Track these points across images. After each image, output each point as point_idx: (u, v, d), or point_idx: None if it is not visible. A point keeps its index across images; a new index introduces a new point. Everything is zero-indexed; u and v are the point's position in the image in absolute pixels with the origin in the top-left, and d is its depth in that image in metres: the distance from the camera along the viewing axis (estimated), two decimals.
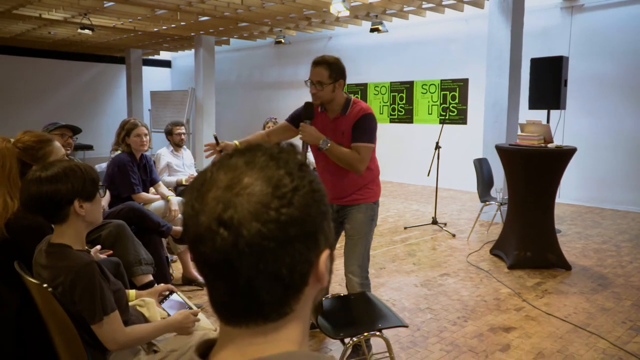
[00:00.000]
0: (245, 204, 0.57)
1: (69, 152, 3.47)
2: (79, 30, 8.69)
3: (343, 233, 2.92)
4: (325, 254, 0.63)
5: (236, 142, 2.68)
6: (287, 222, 0.58)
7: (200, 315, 2.05)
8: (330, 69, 2.64)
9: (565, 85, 5.45)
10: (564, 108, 5.55)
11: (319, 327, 2.27)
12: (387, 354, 2.39)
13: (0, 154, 2.05)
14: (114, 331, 1.69)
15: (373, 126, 2.74)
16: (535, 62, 5.56)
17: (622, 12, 7.18)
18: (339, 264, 4.25)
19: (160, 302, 2.12)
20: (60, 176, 1.69)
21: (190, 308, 2.02)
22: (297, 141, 2.84)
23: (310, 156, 6.09)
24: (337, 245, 3.10)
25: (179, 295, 2.19)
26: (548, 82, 5.42)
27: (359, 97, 10.53)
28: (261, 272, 0.58)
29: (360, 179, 2.80)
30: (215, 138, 2.59)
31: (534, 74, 5.56)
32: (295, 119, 2.83)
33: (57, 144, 2.26)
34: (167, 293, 2.16)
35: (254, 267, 0.58)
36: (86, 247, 1.88)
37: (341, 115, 2.73)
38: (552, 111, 5.72)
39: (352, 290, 2.82)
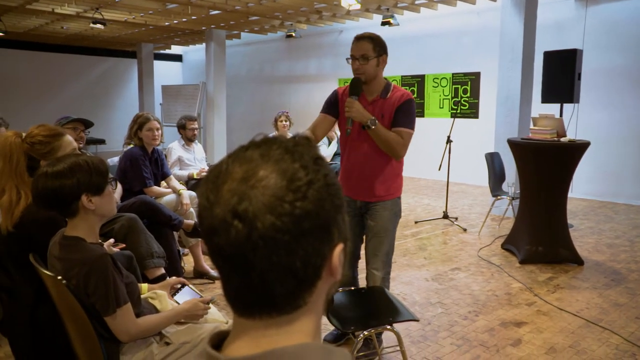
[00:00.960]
0: (260, 197, 0.57)
1: (81, 145, 3.51)
2: (91, 25, 8.74)
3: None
4: (339, 248, 0.63)
5: None
6: (301, 215, 0.58)
7: (212, 308, 2.07)
8: (374, 43, 2.58)
9: (579, 78, 5.38)
10: (578, 102, 5.49)
11: (330, 320, 2.27)
12: (398, 348, 2.39)
13: (8, 148, 2.08)
14: (127, 323, 1.71)
15: (414, 113, 2.68)
16: (549, 56, 5.49)
17: (638, 4, 7.06)
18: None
19: (172, 295, 2.14)
20: (66, 172, 1.70)
21: None
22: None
23: (324, 150, 6.05)
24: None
25: (190, 288, 2.20)
26: (561, 75, 5.35)
27: None
28: (275, 265, 0.58)
29: (388, 171, 2.73)
30: None
31: (547, 67, 5.50)
32: (330, 106, 2.76)
33: (68, 138, 2.27)
34: (179, 286, 2.18)
35: (268, 260, 0.58)
36: (99, 240, 1.90)
37: (381, 98, 2.65)
38: (565, 105, 5.65)
39: (373, 284, 2.79)
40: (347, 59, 2.66)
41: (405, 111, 2.62)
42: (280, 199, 0.57)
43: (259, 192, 0.58)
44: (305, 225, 0.58)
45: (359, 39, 2.60)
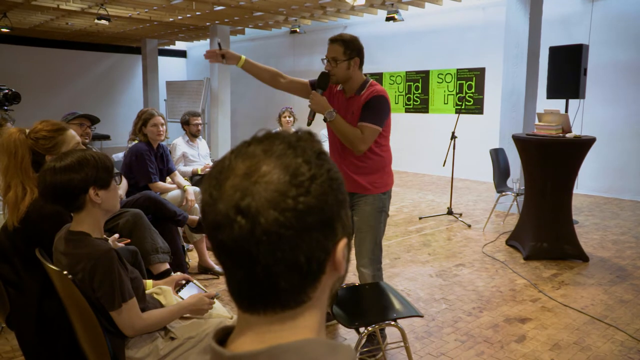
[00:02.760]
0: (262, 192, 0.57)
1: (87, 141, 3.52)
2: (96, 21, 8.75)
3: None
4: (342, 243, 0.63)
5: (243, 57, 2.75)
6: (305, 210, 0.58)
7: (216, 303, 2.07)
8: (345, 46, 2.61)
9: (585, 74, 5.35)
10: (583, 97, 5.45)
11: (334, 316, 2.28)
12: (402, 344, 2.39)
13: (13, 144, 2.09)
14: (132, 318, 1.72)
15: (384, 109, 2.67)
16: (554, 51, 5.46)
17: None
18: (354, 254, 4.27)
19: (177, 290, 2.14)
20: (74, 166, 1.72)
21: None
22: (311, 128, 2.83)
23: (327, 145, 6.08)
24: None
25: (195, 284, 2.21)
26: (567, 71, 5.32)
27: None
28: (278, 260, 0.58)
29: (369, 165, 2.74)
30: (219, 45, 2.61)
31: (552, 62, 5.47)
32: (313, 86, 2.79)
33: (71, 133, 2.28)
34: (184, 282, 2.19)
35: (271, 255, 0.58)
36: (104, 236, 1.91)
37: (355, 95, 2.70)
38: (570, 100, 5.62)
39: (363, 282, 2.80)
40: (322, 59, 2.71)
41: (370, 108, 2.64)
42: (283, 194, 0.57)
43: (262, 188, 0.58)
44: (308, 221, 0.58)
45: (332, 41, 2.65)
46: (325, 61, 2.67)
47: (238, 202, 0.58)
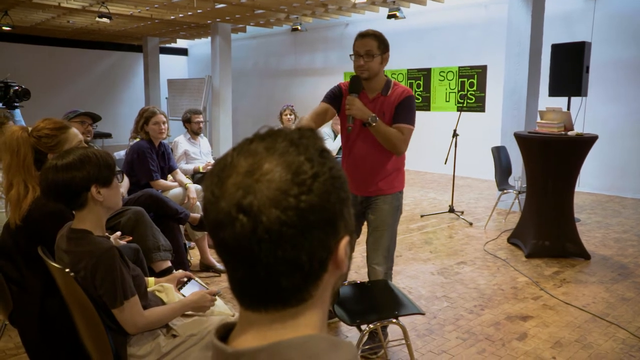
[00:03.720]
0: (264, 191, 0.57)
1: (89, 139, 3.52)
2: (97, 19, 8.75)
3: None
4: (344, 241, 0.63)
5: None
6: (307, 209, 0.58)
7: (218, 301, 2.08)
8: (378, 40, 2.59)
9: (587, 71, 5.34)
10: (585, 95, 5.44)
11: (336, 314, 2.28)
12: (404, 341, 2.40)
13: (16, 142, 2.09)
14: (134, 315, 1.72)
15: (414, 109, 2.69)
16: (556, 48, 5.45)
17: None
18: (356, 252, 4.25)
19: (179, 288, 2.15)
20: (76, 163, 1.72)
21: None
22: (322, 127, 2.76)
23: (329, 144, 6.04)
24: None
25: (197, 281, 2.21)
26: (569, 68, 5.31)
27: None
28: (280, 259, 0.58)
29: (389, 166, 2.74)
30: None
31: (554, 60, 5.46)
32: (333, 98, 2.74)
33: (73, 131, 2.28)
34: (186, 280, 2.19)
35: (273, 254, 0.58)
36: (106, 234, 1.91)
37: (382, 96, 2.67)
38: (573, 98, 5.61)
39: (374, 279, 2.80)
40: (350, 55, 2.66)
41: (405, 107, 2.63)
42: (285, 192, 0.57)
43: (264, 186, 0.57)
44: (310, 219, 0.58)
45: (364, 35, 2.60)
46: (352, 57, 2.63)
47: (240, 201, 0.57)
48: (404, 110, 2.63)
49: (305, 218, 0.58)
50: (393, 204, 2.78)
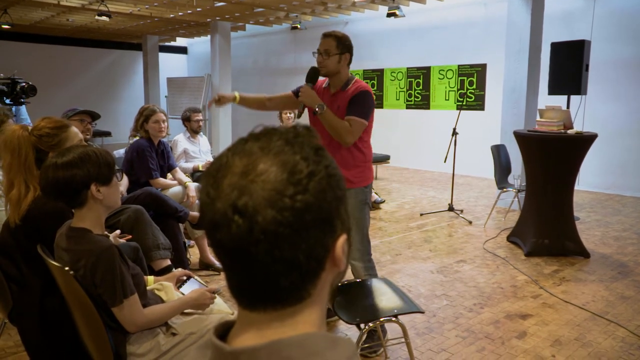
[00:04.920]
0: (260, 191, 0.57)
1: (88, 137, 3.52)
2: (97, 17, 8.74)
3: None
4: (342, 239, 0.63)
5: (236, 93, 2.90)
6: (303, 208, 0.58)
7: (218, 299, 2.08)
8: (337, 41, 2.76)
9: (587, 70, 5.34)
10: (585, 93, 5.44)
11: (335, 312, 2.28)
12: (403, 340, 2.40)
13: (17, 142, 2.09)
14: (133, 314, 1.72)
15: (369, 104, 2.78)
16: (556, 47, 5.44)
17: None
18: None
19: (178, 287, 2.15)
20: (76, 161, 1.72)
21: None
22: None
23: None
24: None
25: (196, 280, 2.21)
26: (569, 67, 5.31)
27: (375, 82, 10.45)
28: (277, 259, 0.58)
29: (351, 159, 2.82)
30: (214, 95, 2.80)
31: (554, 58, 5.46)
32: (297, 93, 2.89)
33: (74, 129, 2.28)
34: (185, 278, 2.19)
35: (270, 254, 0.58)
36: (105, 232, 1.91)
37: (341, 91, 2.81)
38: (572, 96, 5.61)
39: (357, 276, 2.86)
40: (313, 52, 2.84)
41: (357, 102, 2.75)
42: (281, 192, 0.57)
43: (259, 187, 0.57)
44: (306, 218, 0.58)
45: (326, 36, 2.80)
46: (316, 54, 2.79)
47: (235, 201, 0.57)
48: (355, 104, 2.74)
49: (302, 218, 0.58)
50: (359, 197, 2.85)
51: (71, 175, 1.71)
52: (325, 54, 2.75)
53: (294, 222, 0.57)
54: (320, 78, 2.87)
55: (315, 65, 2.80)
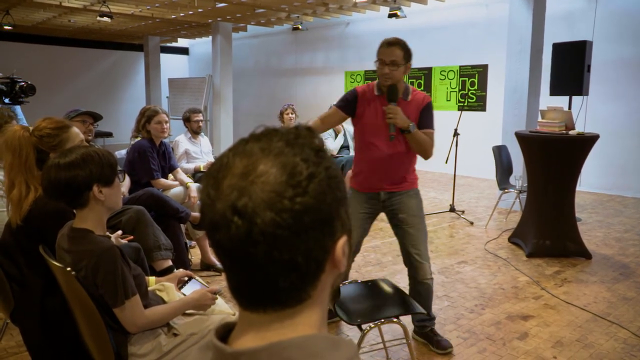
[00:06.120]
0: (259, 193, 0.57)
1: (90, 138, 3.52)
2: (98, 18, 8.75)
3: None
4: (342, 240, 0.63)
5: None
6: (302, 210, 0.57)
7: (219, 300, 2.08)
8: (404, 50, 2.67)
9: (589, 70, 5.33)
10: (587, 94, 5.44)
11: (336, 313, 2.28)
12: (404, 341, 2.40)
13: (17, 142, 2.09)
14: (135, 314, 1.72)
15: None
16: (557, 47, 5.44)
17: None
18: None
19: (180, 287, 2.15)
20: (79, 162, 1.72)
21: None
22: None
23: (330, 143, 6.03)
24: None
25: (198, 280, 2.21)
26: (570, 67, 5.30)
27: None
28: (276, 260, 0.58)
29: (409, 163, 2.84)
30: None
31: (555, 59, 5.45)
32: (347, 105, 2.80)
33: (75, 130, 2.28)
34: (186, 279, 2.19)
35: (269, 255, 0.58)
36: (107, 233, 1.91)
37: (403, 101, 2.74)
38: (574, 97, 5.61)
39: (424, 277, 2.81)
40: (374, 61, 2.73)
41: (430, 113, 2.77)
42: (280, 194, 0.57)
43: (259, 188, 0.57)
44: (306, 221, 0.58)
45: (391, 44, 2.67)
46: (377, 63, 2.69)
47: (235, 202, 0.57)
48: (428, 116, 2.75)
49: (301, 220, 0.58)
50: (418, 197, 2.88)
51: (73, 176, 1.70)
52: (392, 65, 2.63)
53: (293, 224, 0.57)
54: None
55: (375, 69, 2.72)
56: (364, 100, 2.77)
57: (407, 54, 2.69)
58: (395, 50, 2.64)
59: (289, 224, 0.57)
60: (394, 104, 2.67)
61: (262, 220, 0.56)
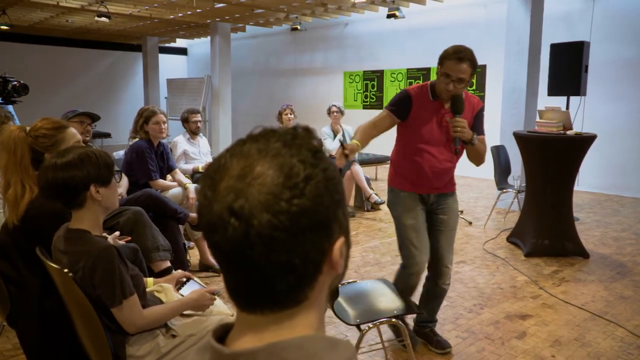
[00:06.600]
0: (256, 195, 0.57)
1: (87, 139, 3.51)
2: (96, 18, 8.74)
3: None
4: (339, 242, 0.63)
5: (354, 141, 2.54)
6: (299, 212, 0.57)
7: (218, 300, 2.08)
8: (472, 67, 2.53)
9: (586, 71, 5.34)
10: (584, 94, 5.44)
11: (335, 313, 2.28)
12: (403, 340, 2.40)
13: (13, 142, 2.08)
14: (133, 315, 1.72)
15: None
16: (555, 48, 5.45)
17: None
18: (354, 251, 4.26)
19: (178, 289, 2.15)
20: (76, 162, 1.71)
21: None
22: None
23: (328, 143, 6.01)
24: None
25: (196, 281, 2.21)
26: (568, 68, 5.31)
27: (375, 84, 10.46)
28: (273, 262, 0.58)
29: (455, 167, 2.79)
30: (341, 142, 2.50)
31: (553, 59, 5.46)
32: (400, 109, 2.66)
33: (71, 131, 2.27)
34: (185, 280, 2.19)
35: (266, 257, 0.58)
36: (104, 234, 1.91)
37: None
38: (572, 97, 5.62)
39: (443, 282, 2.79)
40: (441, 74, 2.56)
41: (482, 119, 2.72)
42: (277, 196, 0.57)
43: (256, 190, 0.57)
44: (302, 222, 0.58)
45: (461, 60, 2.50)
46: (441, 76, 2.55)
47: (232, 204, 0.57)
48: (481, 122, 2.70)
49: (298, 222, 0.57)
50: (457, 201, 2.86)
51: (70, 176, 1.70)
52: (459, 82, 2.49)
53: (290, 226, 0.57)
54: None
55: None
56: (418, 105, 2.64)
57: (475, 68, 2.55)
58: (465, 67, 2.49)
59: (286, 226, 0.57)
60: (459, 116, 2.54)
61: (259, 222, 0.56)
